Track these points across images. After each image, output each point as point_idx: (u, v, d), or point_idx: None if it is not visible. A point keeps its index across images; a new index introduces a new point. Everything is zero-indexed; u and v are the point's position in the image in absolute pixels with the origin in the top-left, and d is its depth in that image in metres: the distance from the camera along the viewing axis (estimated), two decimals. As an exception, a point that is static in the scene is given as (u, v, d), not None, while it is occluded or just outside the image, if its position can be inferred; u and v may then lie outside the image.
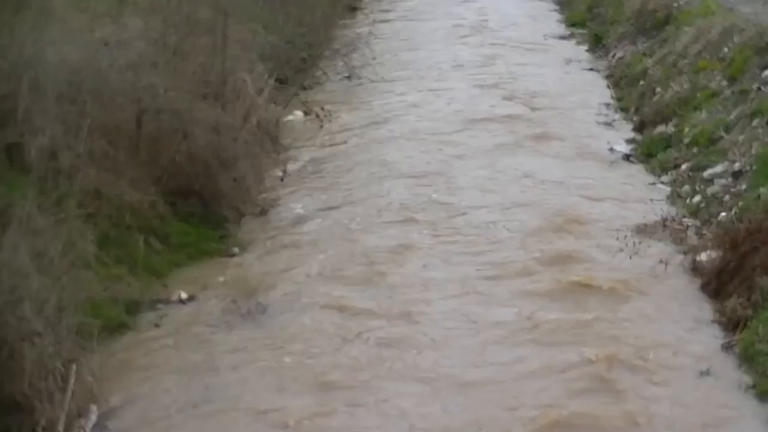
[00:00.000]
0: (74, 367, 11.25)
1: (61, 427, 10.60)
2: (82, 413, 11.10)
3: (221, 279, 15.08)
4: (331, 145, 21.43)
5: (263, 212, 17.63)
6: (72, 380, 11.09)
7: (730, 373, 12.25)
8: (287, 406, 11.76)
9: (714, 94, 20.34)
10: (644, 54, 25.86)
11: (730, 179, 17.02)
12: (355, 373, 12.49)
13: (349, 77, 26.70)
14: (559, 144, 21.02)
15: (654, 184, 18.65)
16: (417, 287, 14.72)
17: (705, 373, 12.18)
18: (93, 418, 11.20)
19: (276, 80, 22.55)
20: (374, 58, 27.63)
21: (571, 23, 33.59)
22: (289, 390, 12.12)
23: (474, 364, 12.62)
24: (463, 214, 17.36)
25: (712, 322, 13.49)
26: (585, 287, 14.44)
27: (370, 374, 12.46)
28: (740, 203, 15.84)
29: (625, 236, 15.50)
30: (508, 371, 12.44)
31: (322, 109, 23.21)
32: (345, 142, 21.61)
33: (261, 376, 12.41)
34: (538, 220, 16.86)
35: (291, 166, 19.97)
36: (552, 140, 21.25)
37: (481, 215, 17.28)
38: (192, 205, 16.71)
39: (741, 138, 17.87)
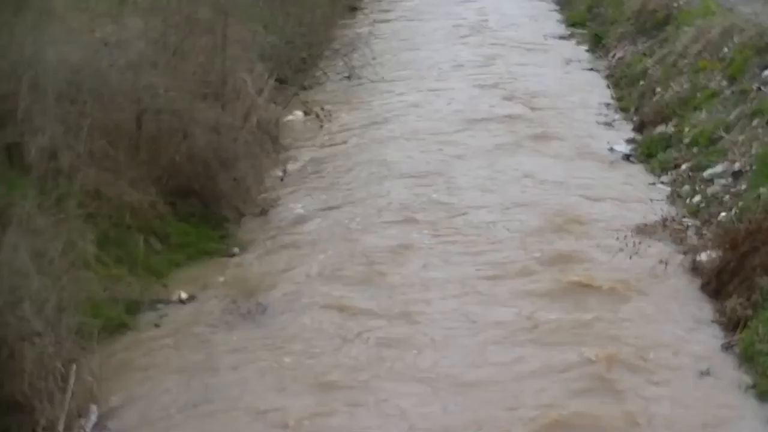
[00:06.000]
0: (74, 367, 11.24)
1: (61, 427, 10.59)
2: (82, 413, 11.09)
3: (221, 279, 15.08)
4: (331, 145, 21.44)
5: (263, 212, 17.61)
6: (72, 380, 11.08)
7: (730, 373, 12.23)
8: (287, 406, 11.76)
9: (714, 94, 20.33)
10: (644, 54, 25.85)
11: (730, 179, 17.01)
12: (355, 373, 12.49)
13: (349, 77, 26.69)
14: (559, 144, 21.02)
15: (654, 184, 18.65)
16: (417, 287, 14.73)
17: (705, 373, 12.17)
18: (93, 418, 11.20)
19: (276, 80, 22.55)
20: (374, 58, 27.59)
21: (571, 23, 33.57)
22: (289, 390, 12.12)
23: (474, 364, 12.62)
24: (463, 214, 17.37)
25: (712, 322, 13.47)
26: (585, 287, 14.43)
27: (370, 374, 12.46)
28: (740, 203, 15.83)
29: (625, 236, 15.47)
30: (508, 371, 12.43)
31: (322, 109, 23.20)
32: (345, 142, 21.62)
33: (261, 376, 12.41)
34: (538, 220, 16.87)
35: (291, 166, 19.98)
36: (552, 140, 21.25)
37: (481, 215, 17.29)
38: (192, 205, 16.71)
39: (741, 138, 17.86)
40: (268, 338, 13.24)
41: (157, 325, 13.60)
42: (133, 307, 13.81)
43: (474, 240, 16.32)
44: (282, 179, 19.34)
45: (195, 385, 12.13)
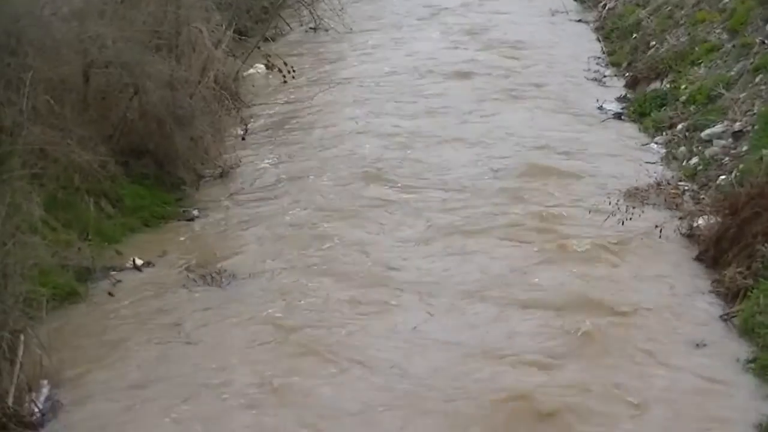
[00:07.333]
0: (22, 338, 11.33)
1: (10, 401, 10.71)
2: (32, 387, 11.21)
3: (178, 244, 15.35)
4: (295, 101, 21.63)
5: (223, 173, 17.89)
6: (20, 352, 11.19)
7: (728, 345, 12.40)
8: (238, 377, 11.94)
9: (713, 48, 20.57)
10: (637, 4, 26.03)
11: (730, 140, 17.22)
12: (332, 331, 12.85)
13: (314, 28, 26.83)
14: (544, 102, 21.28)
15: (647, 144, 18.94)
16: (392, 243, 15.16)
17: (701, 345, 12.38)
18: (45, 391, 11.33)
19: (235, 31, 22.64)
20: (342, 8, 27.64)
21: (558, -30, 33.68)
22: (250, 356, 12.36)
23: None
24: (440, 171, 17.79)
25: (710, 292, 13.66)
26: (571, 253, 14.73)
27: (347, 331, 12.84)
28: (741, 166, 16.00)
29: (617, 201, 15.67)
30: (490, 335, 12.73)
31: (285, 63, 23.23)
32: (311, 98, 21.82)
33: (222, 342, 12.65)
34: (521, 181, 17.23)
35: (253, 124, 20.20)
36: (537, 98, 21.54)
37: (457, 173, 17.71)
38: (146, 166, 16.95)
39: (742, 95, 18.07)
40: (229, 302, 13.51)
41: (110, 294, 13.78)
42: (84, 275, 13.99)
43: (450, 197, 16.76)
44: (243, 138, 19.58)
45: (151, 354, 12.35)
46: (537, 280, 14.12)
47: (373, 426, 11.12)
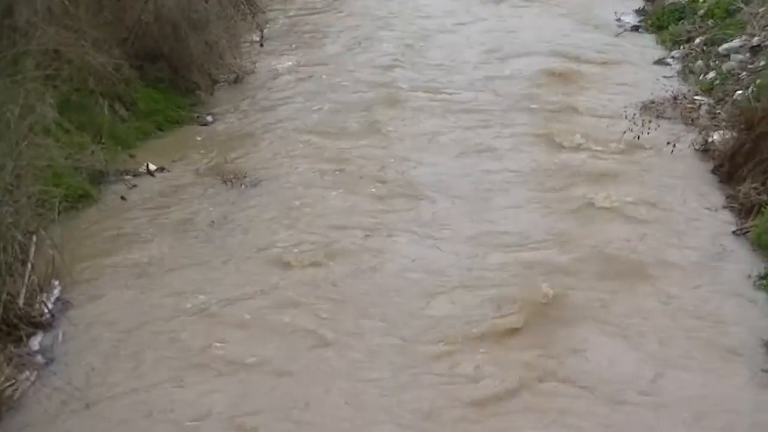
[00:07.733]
0: (34, 238, 11.33)
1: (21, 301, 10.68)
2: (43, 287, 11.18)
3: (192, 149, 15.24)
4: (312, 6, 21.48)
5: (238, 79, 17.78)
6: (32, 252, 11.18)
7: (740, 259, 12.31)
8: (257, 262, 12.08)
9: (733, -39, 20.34)
10: None
11: (747, 55, 17.11)
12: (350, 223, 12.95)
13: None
14: (562, 11, 21.20)
15: (664, 58, 18.80)
16: (406, 141, 15.32)
17: (712, 257, 12.30)
18: (55, 292, 11.30)
19: (253, -67, 22.38)
20: None
21: None
22: (268, 239, 12.54)
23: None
24: (459, 73, 17.94)
25: (724, 207, 13.59)
26: (587, 159, 14.78)
27: (368, 224, 12.99)
28: (758, 80, 15.88)
29: (634, 114, 15.62)
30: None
31: (302, -33, 23.13)
32: (326, 3, 21.71)
33: (241, 231, 12.75)
34: (535, 86, 17.35)
35: (268, 30, 20.06)
36: (554, 7, 21.49)
37: (471, 75, 17.87)
38: (160, 70, 16.81)
39: (761, 10, 17.98)
40: (246, 201, 13.56)
41: (123, 198, 13.71)
42: (98, 178, 13.94)
43: (464, 98, 16.84)
44: (261, 45, 19.50)
45: (164, 249, 12.38)
46: (551, 178, 14.28)
47: (393, 307, 11.22)
